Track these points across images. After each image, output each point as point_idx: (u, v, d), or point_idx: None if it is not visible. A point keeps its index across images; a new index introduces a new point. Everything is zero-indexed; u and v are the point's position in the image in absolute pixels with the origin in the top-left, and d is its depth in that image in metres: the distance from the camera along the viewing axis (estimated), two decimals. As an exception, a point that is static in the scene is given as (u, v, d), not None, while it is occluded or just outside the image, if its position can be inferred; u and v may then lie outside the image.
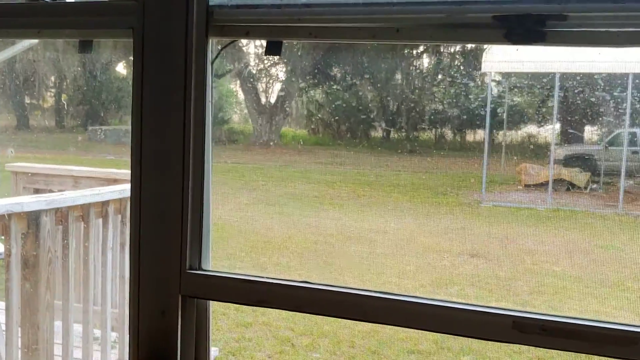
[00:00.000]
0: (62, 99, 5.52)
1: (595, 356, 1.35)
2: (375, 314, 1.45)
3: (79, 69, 5.07)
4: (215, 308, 4.34)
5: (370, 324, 4.09)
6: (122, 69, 5.31)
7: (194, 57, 1.55)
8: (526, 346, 4.04)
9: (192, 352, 1.58)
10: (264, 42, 1.61)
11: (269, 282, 1.53)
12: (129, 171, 1.58)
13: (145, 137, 1.60)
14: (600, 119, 4.85)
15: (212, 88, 1.60)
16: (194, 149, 1.56)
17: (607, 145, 4.88)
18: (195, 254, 1.57)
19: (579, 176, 4.95)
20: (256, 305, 1.57)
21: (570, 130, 4.69)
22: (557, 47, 1.38)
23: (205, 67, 1.57)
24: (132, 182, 1.60)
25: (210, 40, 1.59)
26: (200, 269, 1.58)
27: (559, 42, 1.35)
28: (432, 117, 5.25)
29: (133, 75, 1.61)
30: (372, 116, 5.28)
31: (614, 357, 1.28)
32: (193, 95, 1.56)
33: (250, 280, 1.54)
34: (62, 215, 3.03)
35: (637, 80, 4.18)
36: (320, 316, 4.35)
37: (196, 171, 1.57)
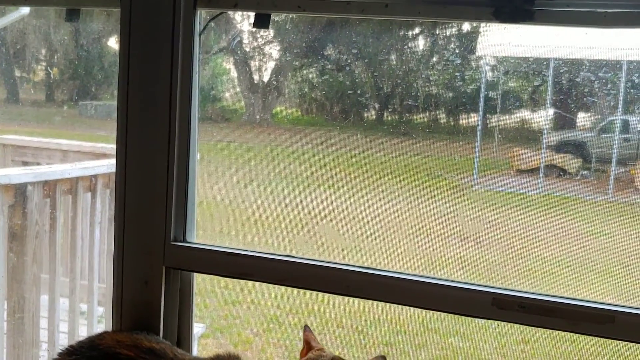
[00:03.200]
0: (53, 72, 5.48)
1: (576, 334, 1.36)
2: (358, 289, 1.46)
3: (71, 43, 5.03)
4: (203, 286, 4.35)
5: (358, 304, 4.11)
6: (114, 43, 5.27)
7: (182, 28, 1.54)
8: (512, 329, 4.08)
9: (175, 323, 1.59)
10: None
11: (252, 256, 1.54)
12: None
13: (131, 108, 1.59)
14: (593, 105, 4.83)
15: (199, 60, 1.59)
16: (179, 121, 1.56)
17: (599, 132, 4.88)
18: (179, 225, 1.57)
19: (571, 162, 4.95)
20: (239, 278, 1.57)
21: (557, 111, 4.69)
22: (544, 26, 1.37)
23: (193, 39, 1.55)
24: (117, 153, 1.60)
25: (198, 12, 1.57)
26: (184, 241, 1.58)
27: (547, 22, 1.35)
28: (426, 99, 5.23)
29: (119, 45, 1.59)
30: (365, 97, 5.26)
31: (590, 335, 1.30)
32: (180, 67, 1.55)
33: (234, 253, 1.55)
34: (49, 188, 3.01)
35: (631, 67, 4.17)
36: (307, 295, 4.36)
37: (182, 143, 1.56)
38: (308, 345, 1.49)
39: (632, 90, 4.07)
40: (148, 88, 1.55)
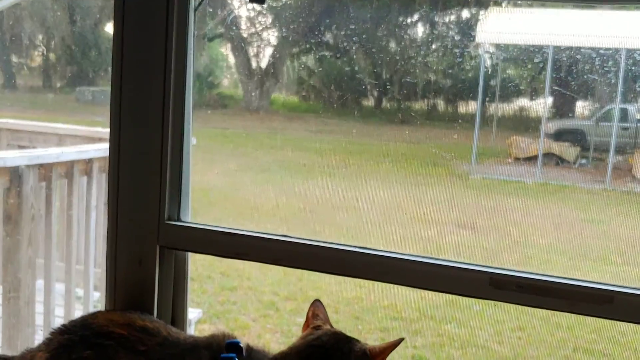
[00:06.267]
0: (50, 58, 5.44)
1: (572, 321, 1.35)
2: (354, 269, 1.45)
3: (67, 28, 4.99)
4: (201, 272, 4.35)
5: (354, 291, 4.11)
6: (110, 29, 5.22)
7: (177, 3, 1.52)
8: (508, 315, 4.08)
9: (169, 303, 1.58)
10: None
11: (248, 235, 1.53)
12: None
13: (125, 85, 1.57)
14: (592, 93, 4.82)
15: (194, 36, 1.57)
16: (174, 99, 1.54)
17: (598, 121, 4.87)
18: (174, 205, 1.56)
19: (569, 151, 4.94)
20: (235, 258, 1.56)
21: (556, 98, 4.67)
22: (549, 8, 1.35)
23: (188, 15, 1.53)
24: (111, 131, 1.58)
25: (193, -13, 1.55)
26: (179, 220, 1.57)
27: (550, -1, 1.33)
28: (425, 87, 5.21)
29: (114, 21, 1.57)
30: (363, 84, 5.23)
31: (588, 315, 1.29)
32: (174, 43, 1.53)
33: (229, 232, 1.53)
34: (45, 171, 2.99)
35: (630, 56, 4.15)
36: (303, 282, 4.34)
37: (176, 122, 1.55)
38: (312, 319, 1.44)
39: (632, 74, 4.05)
40: (142, 66, 1.53)
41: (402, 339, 1.33)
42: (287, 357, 1.37)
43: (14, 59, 5.48)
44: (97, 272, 3.44)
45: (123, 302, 1.59)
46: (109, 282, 1.59)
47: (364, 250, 1.44)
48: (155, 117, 1.52)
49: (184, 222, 1.57)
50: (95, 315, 1.53)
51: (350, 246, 1.46)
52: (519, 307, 4.24)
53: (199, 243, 1.56)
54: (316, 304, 1.46)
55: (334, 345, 1.35)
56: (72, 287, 3.27)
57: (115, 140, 1.56)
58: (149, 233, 1.55)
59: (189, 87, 1.55)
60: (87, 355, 1.42)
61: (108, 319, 1.48)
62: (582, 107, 5.03)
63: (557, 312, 4.13)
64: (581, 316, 4.04)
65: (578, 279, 1.30)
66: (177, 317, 1.62)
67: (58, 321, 3.25)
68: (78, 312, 3.35)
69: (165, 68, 1.50)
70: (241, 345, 1.40)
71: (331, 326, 1.44)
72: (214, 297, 4.11)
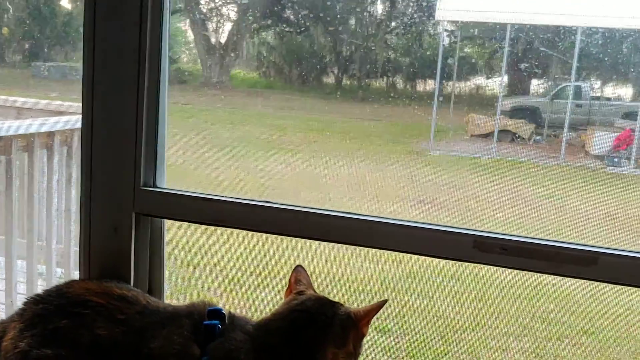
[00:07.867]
0: (4, 32, 5.25)
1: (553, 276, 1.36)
2: (337, 234, 1.44)
3: (22, 1, 4.84)
4: (162, 249, 4.29)
5: (320, 266, 4.12)
6: (66, 3, 5.10)
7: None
8: (467, 287, 4.15)
9: (145, 271, 1.55)
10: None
11: (227, 201, 1.50)
12: (75, 103, 1.49)
13: (98, 52, 1.52)
14: (547, 71, 4.93)
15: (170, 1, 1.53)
16: (149, 63, 1.50)
17: (552, 98, 4.98)
18: (149, 171, 1.52)
19: (524, 127, 5.05)
20: (213, 225, 1.54)
21: (512, 76, 4.75)
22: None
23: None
24: (83, 96, 1.53)
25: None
26: (155, 186, 1.53)
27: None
28: (385, 65, 5.23)
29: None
30: (324, 62, 5.22)
31: (573, 277, 1.29)
32: (150, 8, 1.48)
33: (207, 198, 1.51)
34: (5, 145, 2.90)
35: (585, 34, 4.24)
36: (268, 257, 4.28)
37: (151, 87, 1.51)
38: (294, 284, 1.43)
39: (587, 52, 4.14)
40: (115, 27, 1.49)
41: (385, 301, 1.33)
42: (270, 323, 1.36)
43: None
44: (60, 248, 3.36)
45: (98, 270, 1.55)
46: (84, 250, 1.55)
47: (348, 215, 1.42)
48: (130, 81, 1.48)
49: (159, 188, 1.53)
50: (70, 284, 1.49)
51: (334, 211, 1.44)
52: (478, 279, 4.29)
53: (176, 209, 1.52)
54: (298, 269, 1.45)
55: (318, 309, 1.35)
56: (34, 263, 3.19)
57: (89, 106, 1.51)
58: (124, 200, 1.51)
59: (165, 51, 1.51)
60: (64, 324, 1.38)
61: (84, 287, 1.44)
62: (537, 85, 5.15)
63: (514, 284, 4.22)
64: (538, 288, 4.11)
65: (563, 240, 1.30)
66: (154, 286, 1.59)
67: (20, 298, 3.17)
68: (40, 289, 3.28)
69: (140, 32, 1.46)
70: (223, 312, 1.38)
71: (314, 291, 1.43)
72: (177, 273, 4.07)
